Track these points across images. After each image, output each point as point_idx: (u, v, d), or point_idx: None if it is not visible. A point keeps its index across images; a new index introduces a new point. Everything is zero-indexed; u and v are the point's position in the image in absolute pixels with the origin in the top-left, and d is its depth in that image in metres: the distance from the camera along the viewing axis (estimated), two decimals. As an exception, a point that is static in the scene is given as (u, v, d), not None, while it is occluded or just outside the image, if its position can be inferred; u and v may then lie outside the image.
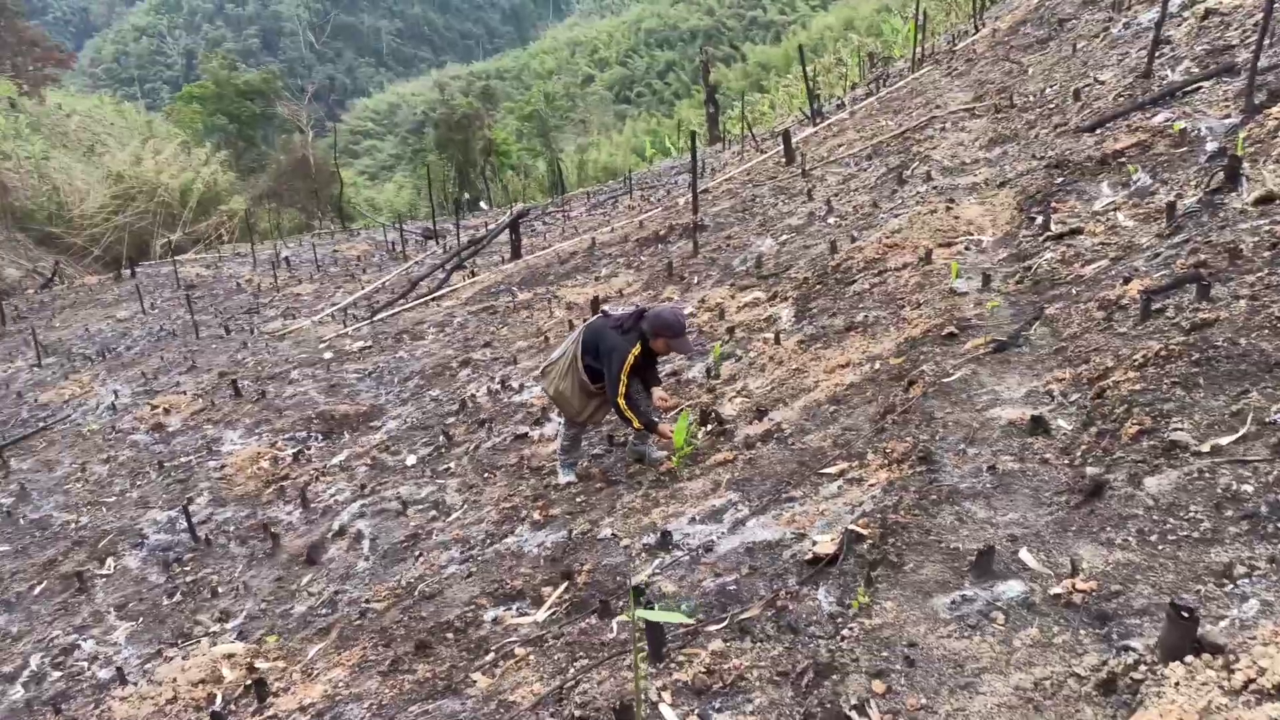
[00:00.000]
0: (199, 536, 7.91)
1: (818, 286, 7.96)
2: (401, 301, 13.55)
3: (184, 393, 11.95)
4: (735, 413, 6.16)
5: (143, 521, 8.63)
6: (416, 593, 5.37)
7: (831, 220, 10.42)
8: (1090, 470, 3.79)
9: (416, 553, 6.25)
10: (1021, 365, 5.00)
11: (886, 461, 4.48)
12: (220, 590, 6.97)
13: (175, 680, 5.47)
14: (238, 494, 8.76)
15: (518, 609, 4.70)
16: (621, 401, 5.41)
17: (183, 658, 5.97)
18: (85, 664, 6.50)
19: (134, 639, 6.65)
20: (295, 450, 9.57)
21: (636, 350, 5.37)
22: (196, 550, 7.81)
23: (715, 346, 7.24)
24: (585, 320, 6.24)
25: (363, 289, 15.11)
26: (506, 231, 13.94)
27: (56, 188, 31.17)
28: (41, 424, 12.30)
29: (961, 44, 16.34)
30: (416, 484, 7.59)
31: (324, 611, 5.94)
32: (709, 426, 6.17)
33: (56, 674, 6.47)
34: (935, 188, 9.44)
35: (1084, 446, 4.00)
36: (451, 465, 7.72)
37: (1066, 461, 3.99)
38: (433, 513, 6.89)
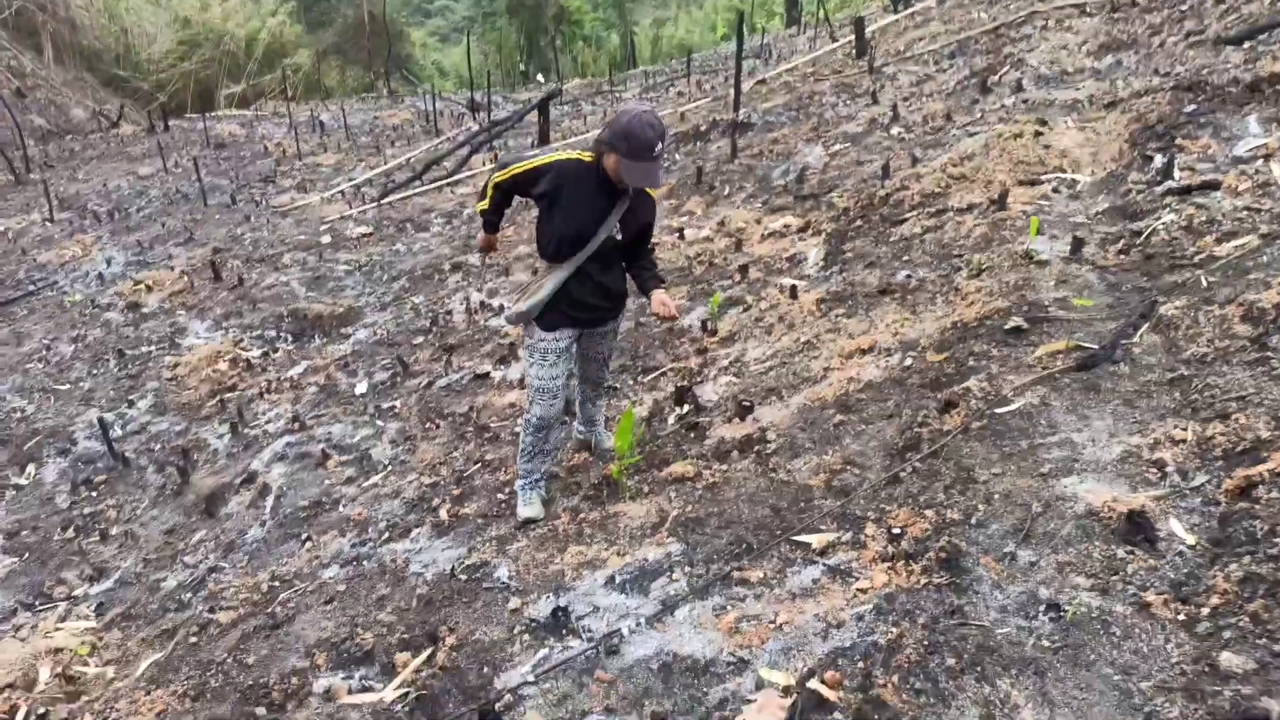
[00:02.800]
0: (118, 454, 6.64)
1: (859, 221, 6.13)
2: (417, 183, 11.93)
3: (172, 269, 10.64)
4: (717, 398, 4.52)
5: (79, 422, 7.41)
6: (270, 610, 3.97)
7: (895, 131, 8.42)
8: (1227, 660, 2.12)
9: (311, 531, 4.84)
10: (1118, 398, 3.25)
11: (892, 549, 2.84)
12: (111, 533, 5.71)
13: (-18, 677, 4.22)
14: (181, 401, 7.46)
15: (360, 678, 3.25)
16: (495, 177, 3.67)
17: (15, 633, 4.73)
18: (-56, 608, 5.33)
19: (6, 584, 5.44)
20: (262, 351, 8.22)
21: (579, 159, 3.48)
22: (113, 471, 6.55)
23: (716, 296, 5.54)
24: None
25: (384, 164, 13.50)
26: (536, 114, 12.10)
27: (125, 29, 29.81)
28: (29, 289, 11.16)
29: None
30: (355, 422, 6.16)
31: (183, 599, 4.60)
32: (683, 409, 4.55)
33: (-90, 617, 5.32)
34: (1025, 101, 7.38)
35: (1218, 598, 2.31)
36: (398, 404, 6.25)
37: (1182, 618, 2.31)
38: (353, 470, 5.46)
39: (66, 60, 28.13)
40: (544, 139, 12.15)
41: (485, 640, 3.14)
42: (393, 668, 3.24)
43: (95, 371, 8.57)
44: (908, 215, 5.82)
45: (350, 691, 3.21)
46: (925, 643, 2.39)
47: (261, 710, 3.22)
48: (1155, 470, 2.84)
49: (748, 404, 4.15)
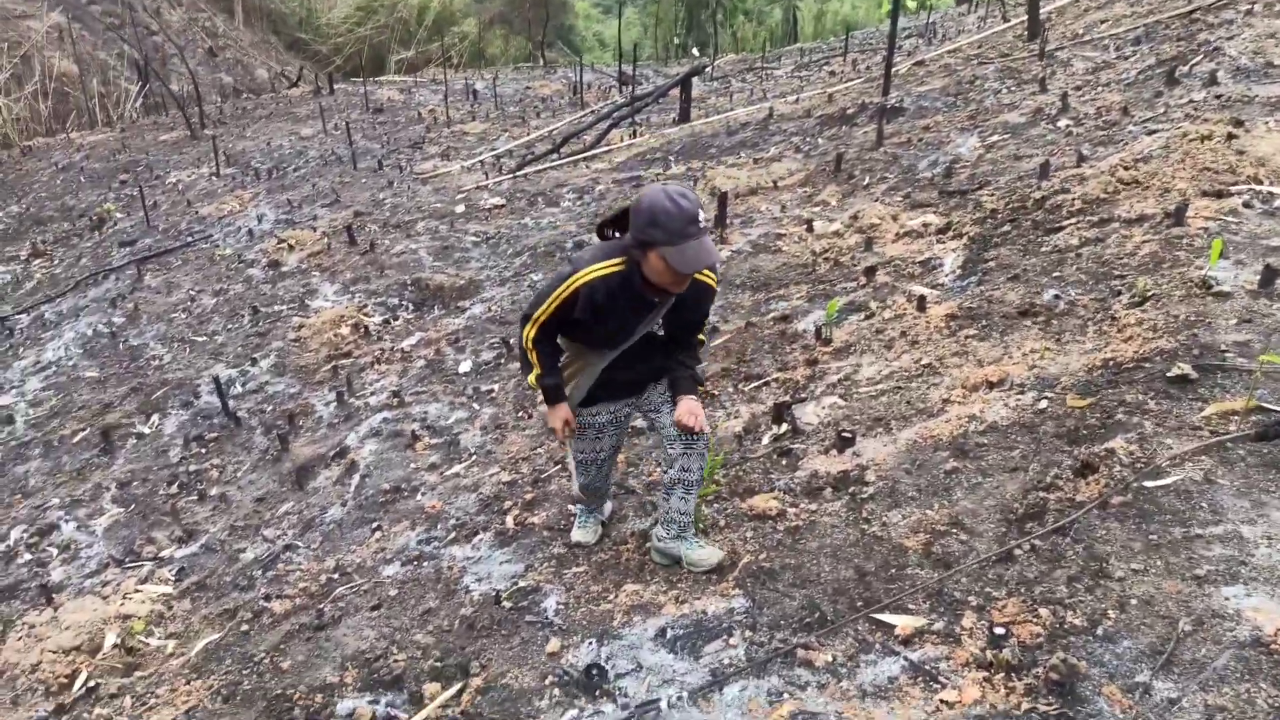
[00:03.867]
0: (232, 413, 6.66)
1: (1007, 226, 5.39)
2: (554, 156, 11.67)
3: (315, 229, 10.77)
4: (818, 421, 3.98)
5: (206, 376, 7.52)
6: (321, 608, 3.74)
7: (1062, 123, 7.51)
8: None
9: (385, 519, 4.61)
10: (1306, 483, 2.56)
11: (991, 654, 2.28)
12: (209, 494, 5.68)
13: (52, 636, 4.19)
14: (300, 364, 7.44)
15: (386, 704, 2.95)
16: (529, 334, 2.99)
17: (102, 588, 4.72)
18: (54, 553, 5.43)
19: (109, 535, 5.50)
20: (383, 318, 8.15)
21: (604, 267, 2.79)
22: (225, 429, 6.57)
23: (833, 303, 4.96)
24: None
25: (527, 135, 13.32)
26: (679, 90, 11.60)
27: (309, -5, 30.93)
28: (186, 241, 11.57)
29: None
30: (452, 403, 5.92)
31: (253, 575, 4.46)
32: (780, 429, 4.03)
33: (23, 559, 5.45)
34: (1219, 97, 6.37)
35: None
36: (496, 388, 5.97)
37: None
38: (438, 456, 5.21)
39: (255, 23, 29.51)
40: (684, 116, 11.65)
41: (515, 686, 2.77)
42: (420, 698, 2.92)
43: (230, 326, 8.72)
44: (1065, 223, 5.06)
45: (374, 719, 2.91)
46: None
47: (281, 728, 2.97)
48: (1354, 592, 2.16)
49: (848, 435, 3.60)
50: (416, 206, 10.93)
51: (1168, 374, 3.16)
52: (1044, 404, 3.37)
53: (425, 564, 3.89)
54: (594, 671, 2.68)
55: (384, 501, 4.83)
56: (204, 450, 6.39)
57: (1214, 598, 2.23)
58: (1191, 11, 8.91)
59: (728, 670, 2.56)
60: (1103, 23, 10.32)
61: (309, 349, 7.74)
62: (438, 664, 3.03)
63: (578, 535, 3.61)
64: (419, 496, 4.77)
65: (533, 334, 3.00)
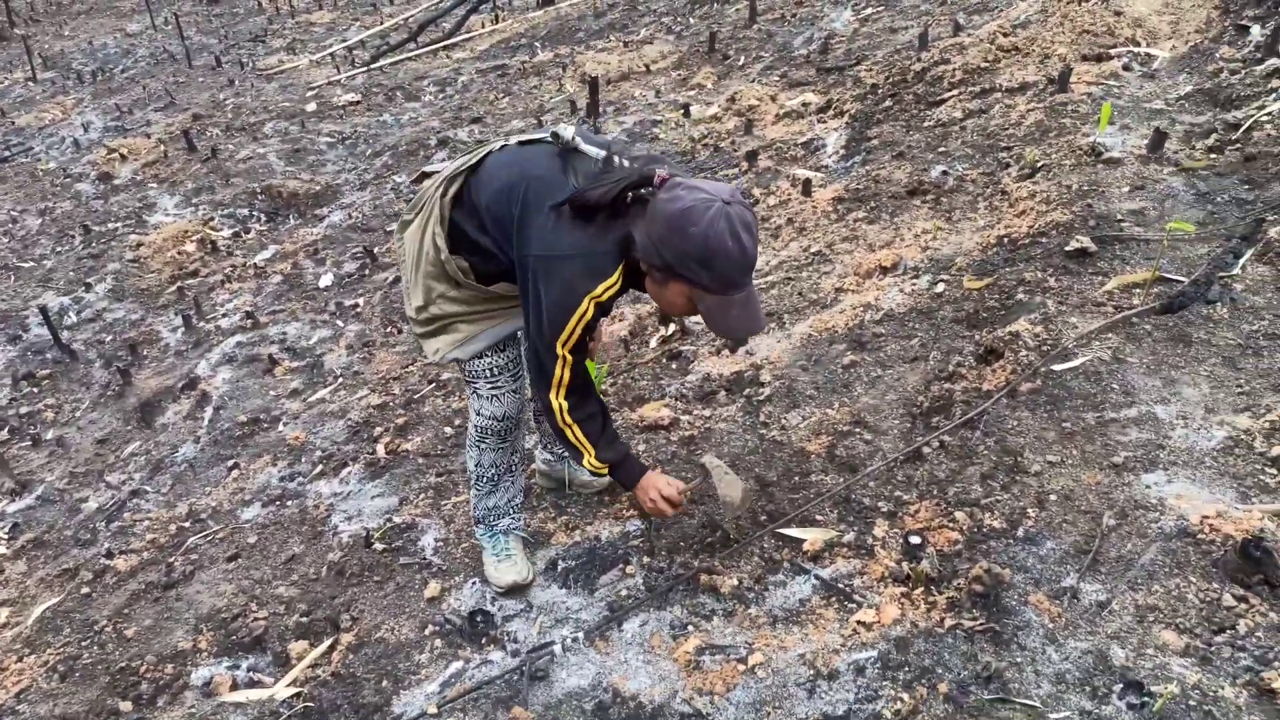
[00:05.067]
0: (65, 345, 5.97)
1: (888, 101, 5.14)
2: (412, 46, 10.80)
3: (149, 136, 9.71)
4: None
5: (34, 306, 6.72)
6: (171, 561, 3.32)
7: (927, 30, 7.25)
8: None
9: (243, 454, 4.17)
10: (1215, 355, 2.43)
11: (908, 566, 2.09)
12: (45, 439, 5.08)
13: None
14: (141, 287, 6.73)
15: (248, 669, 2.61)
16: (560, 402, 2.16)
17: (-80, 560, 4.16)
18: None
19: (-72, 493, 4.86)
20: (232, 231, 7.43)
21: (609, 287, 2.05)
22: (59, 364, 5.89)
23: (714, 187, 4.66)
24: (528, 132, 2.53)
25: (380, 25, 12.30)
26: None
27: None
28: (3, 155, 10.31)
29: None
30: (313, 320, 5.42)
31: (96, 527, 3.98)
32: (668, 329, 3.75)
33: None
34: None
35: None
36: (361, 301, 5.49)
37: (1326, 724, 1.57)
38: (300, 381, 4.75)
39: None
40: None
41: (391, 640, 2.46)
42: (287, 659, 2.59)
43: (59, 249, 7.83)
44: (946, 95, 4.83)
45: (235, 686, 2.57)
46: (949, 706, 1.67)
47: (127, 705, 2.60)
48: (1277, 470, 2.04)
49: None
50: (263, 106, 9.97)
51: (1065, 248, 2.99)
52: (940, 288, 3.18)
53: (289, 504, 3.50)
54: (479, 618, 2.40)
55: (241, 435, 4.37)
56: (36, 390, 5.71)
57: (1134, 487, 2.09)
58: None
59: (625, 603, 2.31)
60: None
61: (150, 269, 7.00)
62: (304, 619, 2.69)
63: (505, 574, 2.52)
64: (280, 427, 4.33)
65: (563, 401, 2.17)
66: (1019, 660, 1.79)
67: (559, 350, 2.11)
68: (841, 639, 1.97)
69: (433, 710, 2.17)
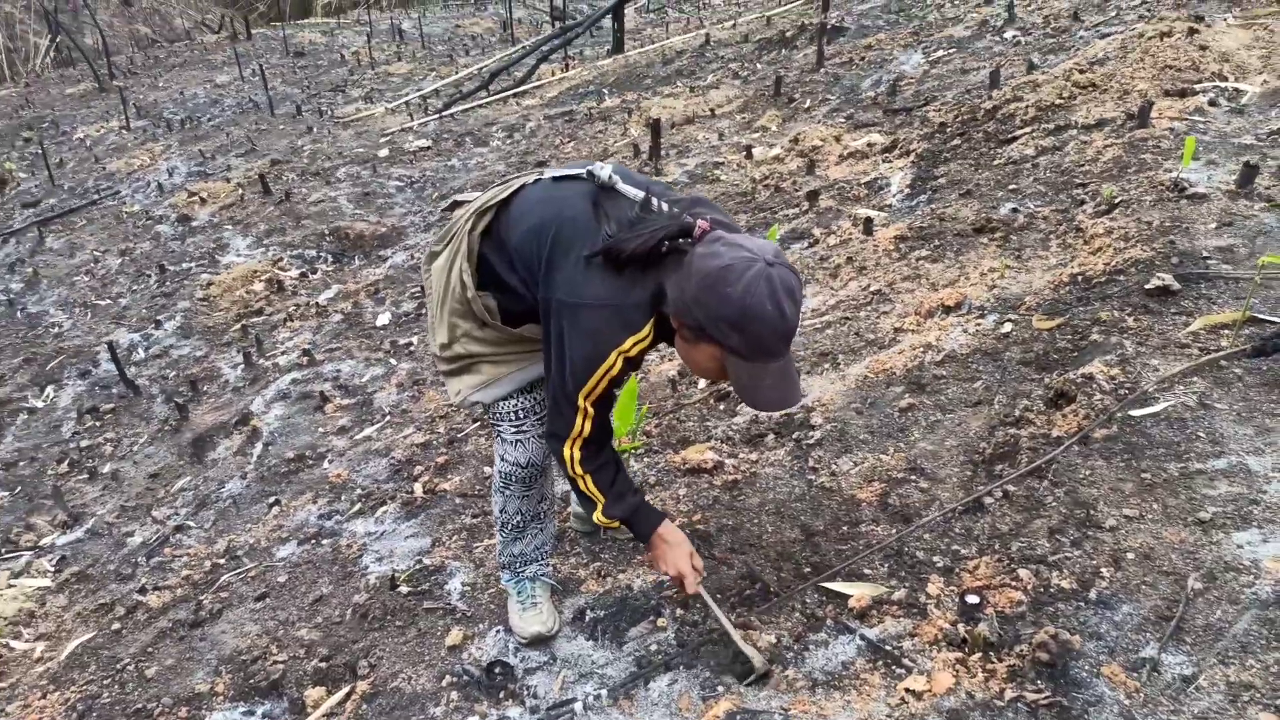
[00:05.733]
0: (130, 381, 6.07)
1: (956, 140, 4.95)
2: (482, 94, 10.98)
3: (228, 180, 10.02)
4: (757, 360, 3.54)
5: (105, 343, 6.89)
6: (202, 601, 3.25)
7: (1009, 34, 7.07)
8: None
9: (286, 490, 4.12)
10: (1317, 404, 2.17)
11: (964, 629, 1.88)
12: (101, 472, 5.13)
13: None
14: (208, 324, 6.85)
15: (263, 716, 2.50)
16: (573, 453, 2.04)
17: (-30, 589, 4.18)
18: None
19: (-11, 522, 4.93)
20: (300, 271, 7.54)
21: (639, 341, 1.91)
22: (123, 399, 5.99)
23: (773, 229, 4.50)
24: (557, 169, 2.18)
25: (454, 74, 12.56)
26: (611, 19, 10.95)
27: (228, -63, 29.32)
28: (91, 199, 10.74)
29: None
30: (368, 359, 5.40)
31: (136, 564, 3.95)
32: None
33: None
34: (1162, 20, 5.96)
35: None
36: (415, 340, 5.46)
37: None
38: (349, 419, 4.70)
39: (171, -31, 27.87)
40: (618, 47, 11.00)
41: (406, 690, 2.32)
42: (302, 706, 2.47)
43: (135, 287, 8.05)
44: (1019, 133, 4.63)
45: (249, 732, 2.46)
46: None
47: (140, 750, 2.51)
48: (1392, 533, 1.78)
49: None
50: (337, 152, 10.21)
51: (1145, 286, 2.76)
52: (1007, 327, 2.96)
53: (324, 542, 3.42)
54: (498, 670, 2.24)
55: (287, 472, 4.32)
56: (99, 423, 5.81)
57: (1224, 546, 1.85)
58: (1138, -86, 8.45)
59: (655, 659, 2.13)
60: (1046, -68, 9.83)
61: (218, 308, 7.13)
62: (323, 664, 2.57)
63: (530, 625, 2.36)
64: (325, 464, 4.27)
65: (577, 452, 2.04)
66: (1088, 741, 1.56)
67: (581, 402, 1.97)
68: (888, 708, 1.77)
69: (443, 766, 2.02)
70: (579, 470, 2.06)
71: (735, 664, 2.03)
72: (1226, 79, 4.37)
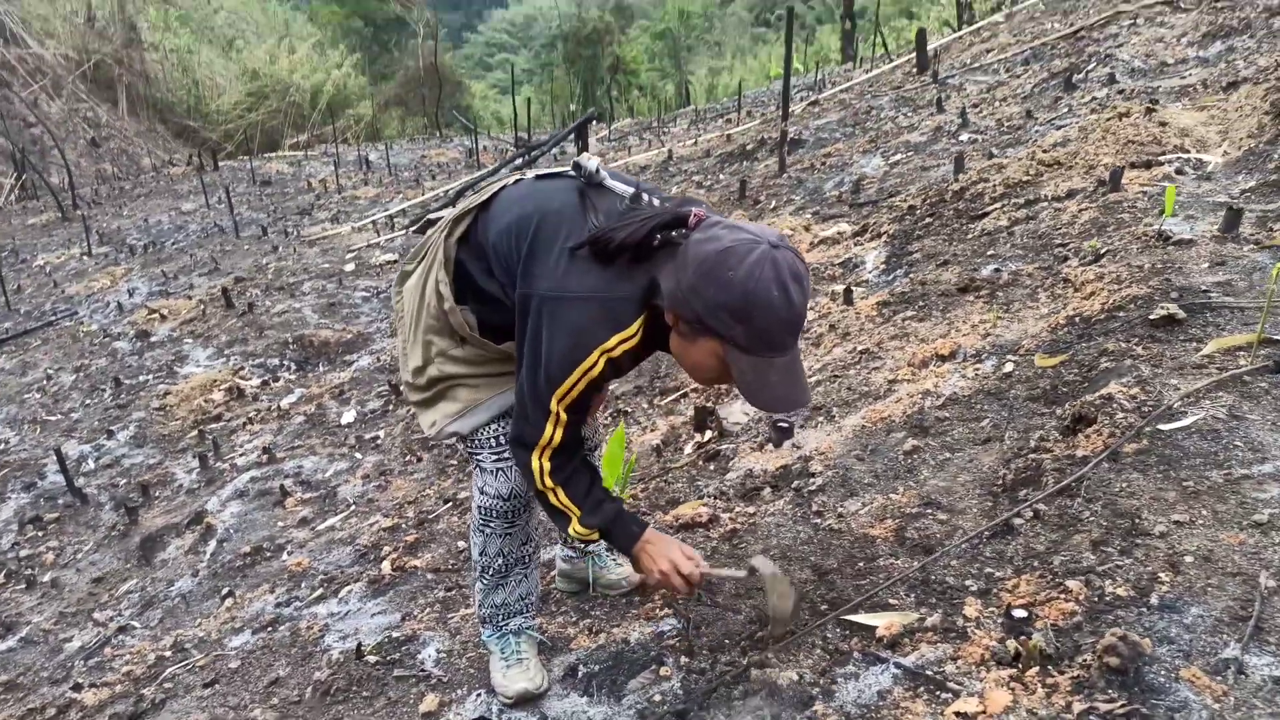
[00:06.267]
0: (77, 490, 5.71)
1: (928, 219, 4.98)
2: (450, 209, 11.06)
3: (190, 298, 9.86)
4: (746, 419, 3.38)
5: (55, 449, 6.53)
6: (143, 694, 2.90)
7: (965, 136, 7.27)
8: None
9: (241, 584, 3.79)
10: (1352, 409, 2.05)
11: (1014, 644, 1.67)
12: (40, 581, 4.74)
13: None
14: (163, 433, 6.54)
15: (209, 808, 2.16)
16: (541, 463, 1.83)
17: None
18: None
19: (-88, 638, 4.48)
20: (261, 380, 7.29)
21: (625, 339, 1.74)
22: (69, 508, 5.62)
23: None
24: (528, 165, 1.84)
25: (421, 195, 12.71)
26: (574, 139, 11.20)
27: (197, 82, 30.22)
28: (47, 320, 10.50)
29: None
30: (331, 455, 5.14)
31: (72, 667, 3.57)
32: (704, 437, 3.42)
33: None
34: (1121, 92, 6.19)
35: None
36: (381, 434, 5.23)
37: None
38: (310, 510, 4.42)
39: (140, 112, 28.43)
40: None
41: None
42: (255, 795, 2.14)
43: (89, 401, 7.74)
44: (990, 208, 4.66)
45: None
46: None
47: None
48: None
49: (784, 425, 3.00)
50: (303, 268, 10.13)
51: (1150, 317, 2.67)
52: (1009, 367, 2.85)
53: (281, 628, 3.10)
54: (480, 728, 1.97)
55: (241, 566, 4.00)
56: (41, 533, 5.42)
57: (1288, 547, 1.68)
58: (1075, 32, 8.94)
59: (660, 709, 1.88)
60: (988, 52, 10.35)
61: (175, 416, 6.84)
62: (278, 748, 2.26)
63: (516, 682, 2.09)
64: (284, 556, 3.97)
65: (545, 463, 1.85)
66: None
67: (553, 406, 1.79)
68: (936, 734, 1.53)
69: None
70: (548, 483, 1.86)
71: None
72: (1189, 151, 4.46)
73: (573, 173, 1.91)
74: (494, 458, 2.03)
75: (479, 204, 1.98)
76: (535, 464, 1.84)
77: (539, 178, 1.97)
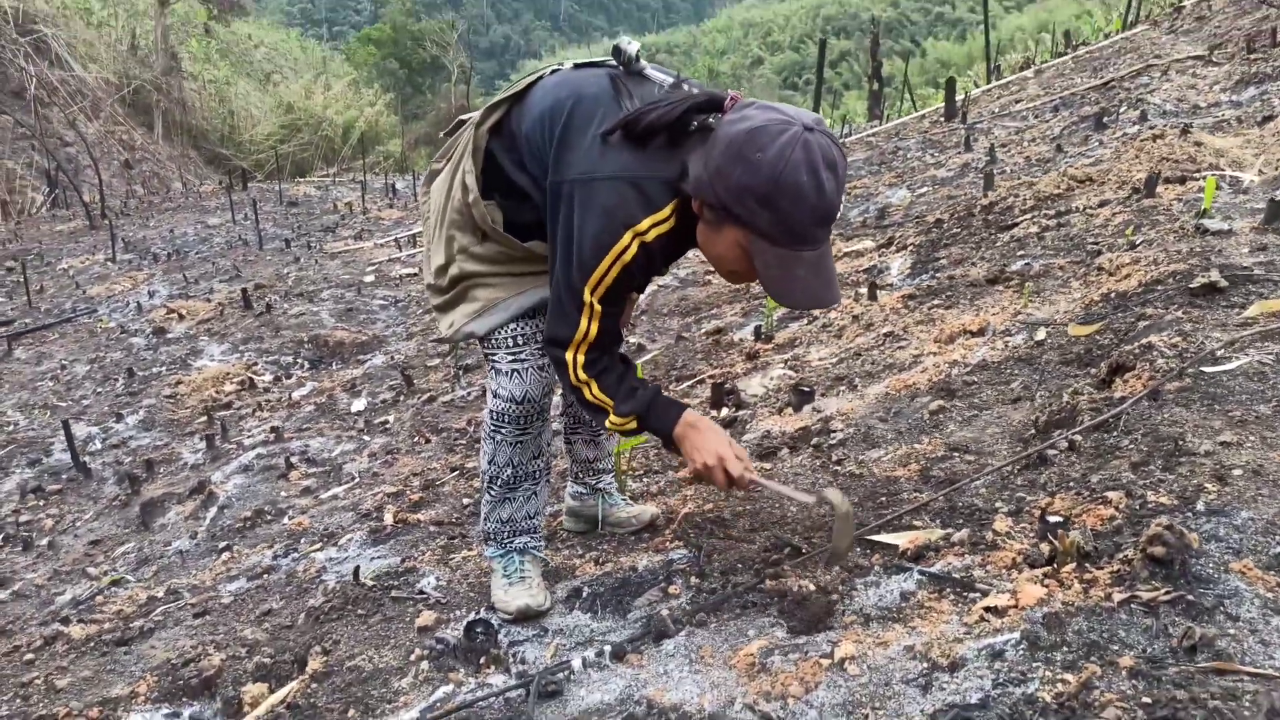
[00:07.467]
0: (81, 464, 5.66)
1: (955, 230, 4.93)
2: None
3: (209, 300, 9.90)
4: (764, 392, 3.30)
5: (62, 435, 6.49)
6: (132, 625, 2.81)
7: (994, 170, 7.27)
8: None
9: (240, 542, 3.71)
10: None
11: (1048, 547, 1.57)
12: (37, 544, 4.66)
13: None
14: (172, 418, 6.49)
15: (190, 717, 2.06)
16: (576, 357, 1.78)
17: None
18: None
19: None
20: (274, 375, 7.27)
21: (658, 223, 1.69)
22: (72, 481, 5.56)
23: (771, 301, 4.38)
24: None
25: (446, 219, 12.83)
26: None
27: (233, 112, 30.83)
28: (66, 316, 10.55)
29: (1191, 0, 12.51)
30: (338, 436, 5.08)
31: (69, 615, 3.47)
32: (719, 413, 3.34)
33: None
34: (1153, 129, 6.18)
35: None
36: (391, 418, 5.16)
37: None
38: (312, 481, 4.34)
39: (175, 138, 28.97)
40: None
41: (367, 668, 1.92)
42: (239, 705, 2.04)
43: (100, 390, 7.72)
44: (1020, 219, 4.61)
45: (167, 739, 2.02)
46: (1145, 700, 1.11)
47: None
48: None
49: (807, 389, 2.93)
50: (323, 278, 10.18)
51: (1191, 286, 2.60)
52: (1042, 337, 2.77)
53: (278, 573, 3.01)
54: (478, 630, 1.87)
55: (240, 528, 3.92)
56: (42, 502, 5.35)
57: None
58: (1106, 84, 8.99)
59: (666, 621, 1.78)
60: (1017, 103, 10.41)
61: (185, 405, 6.80)
62: (267, 659, 2.15)
63: (518, 597, 1.98)
64: (285, 520, 3.88)
65: (580, 358, 1.79)
66: (1231, 631, 1.25)
67: (587, 296, 1.73)
68: (965, 627, 1.44)
69: (411, 728, 1.62)
70: (582, 376, 1.79)
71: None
72: (1224, 170, 4.42)
73: (612, 60, 1.88)
74: (510, 358, 1.97)
75: (514, 94, 1.94)
76: (569, 357, 1.79)
77: (576, 66, 1.94)
